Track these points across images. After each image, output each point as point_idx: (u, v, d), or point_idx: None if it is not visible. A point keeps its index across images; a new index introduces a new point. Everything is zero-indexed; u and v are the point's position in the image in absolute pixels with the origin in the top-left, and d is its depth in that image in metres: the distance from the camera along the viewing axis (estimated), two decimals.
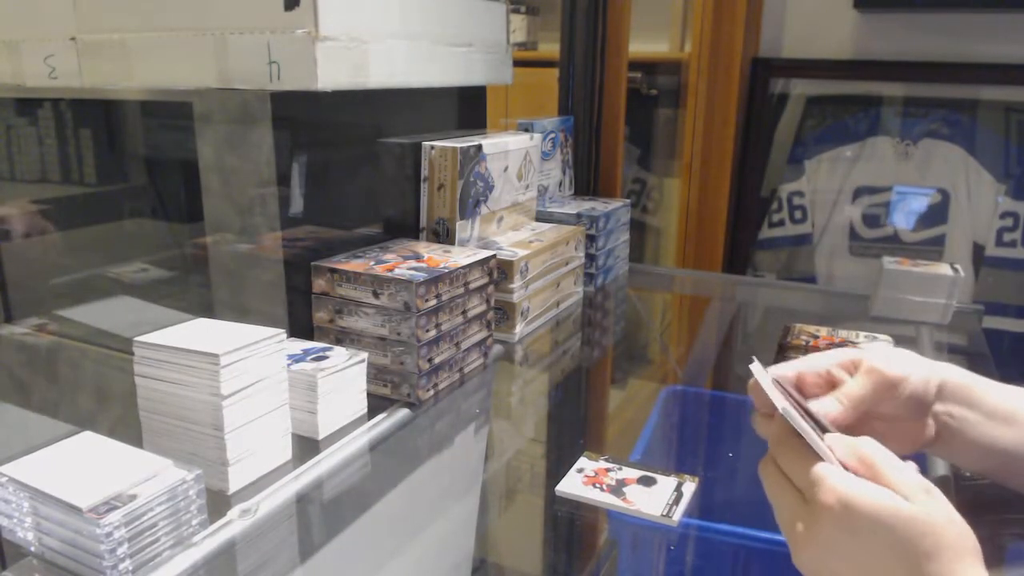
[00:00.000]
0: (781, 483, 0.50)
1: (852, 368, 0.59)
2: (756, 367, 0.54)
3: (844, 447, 0.48)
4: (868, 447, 0.48)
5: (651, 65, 2.29)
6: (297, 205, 0.93)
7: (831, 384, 0.58)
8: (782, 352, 1.04)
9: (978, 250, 1.94)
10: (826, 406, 0.56)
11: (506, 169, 1.18)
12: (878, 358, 0.58)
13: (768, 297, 1.71)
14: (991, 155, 1.92)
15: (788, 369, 0.59)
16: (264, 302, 0.92)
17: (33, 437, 0.93)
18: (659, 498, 0.76)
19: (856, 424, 0.56)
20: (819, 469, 0.47)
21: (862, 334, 1.10)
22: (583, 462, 0.83)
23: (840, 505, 0.45)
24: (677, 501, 0.76)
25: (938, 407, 0.59)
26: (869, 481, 0.46)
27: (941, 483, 0.57)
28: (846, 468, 0.47)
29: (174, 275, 1.03)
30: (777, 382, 0.54)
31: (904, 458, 0.48)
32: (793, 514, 0.48)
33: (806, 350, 1.00)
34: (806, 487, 0.48)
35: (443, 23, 1.04)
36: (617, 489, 0.78)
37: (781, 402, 0.49)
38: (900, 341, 1.11)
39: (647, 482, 0.79)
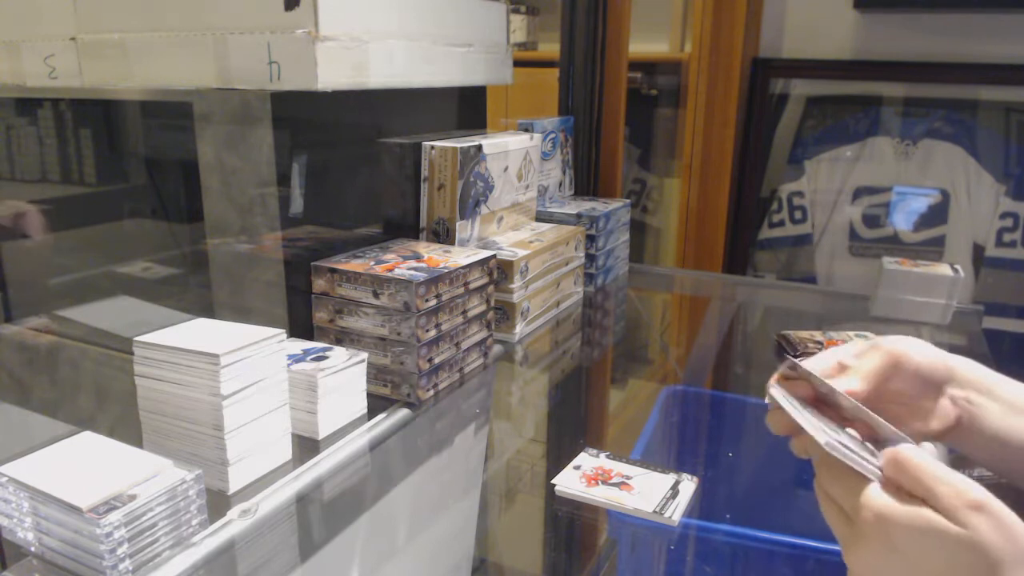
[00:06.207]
0: (829, 506, 0.50)
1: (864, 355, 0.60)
2: (777, 392, 0.52)
3: (884, 458, 0.47)
4: (907, 453, 0.46)
5: (651, 65, 2.29)
6: (297, 205, 0.93)
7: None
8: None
9: (978, 250, 1.94)
10: (843, 383, 0.55)
11: (506, 169, 1.18)
12: (886, 340, 0.59)
13: (768, 297, 1.71)
14: (991, 155, 1.92)
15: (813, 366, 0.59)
16: (264, 302, 0.92)
17: (33, 437, 0.93)
18: (655, 495, 0.76)
19: (874, 405, 0.56)
20: (860, 491, 0.47)
21: (853, 334, 1.10)
22: (582, 458, 0.84)
23: (879, 524, 0.45)
24: (673, 498, 0.76)
25: (955, 391, 0.59)
26: (909, 500, 0.45)
27: None
28: (890, 480, 0.46)
29: (174, 275, 1.03)
30: (799, 399, 0.53)
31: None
32: (843, 536, 0.48)
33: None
34: (850, 509, 0.47)
35: (443, 23, 1.04)
36: (613, 485, 0.78)
37: (823, 436, 0.48)
38: None
39: (644, 479, 0.79)
